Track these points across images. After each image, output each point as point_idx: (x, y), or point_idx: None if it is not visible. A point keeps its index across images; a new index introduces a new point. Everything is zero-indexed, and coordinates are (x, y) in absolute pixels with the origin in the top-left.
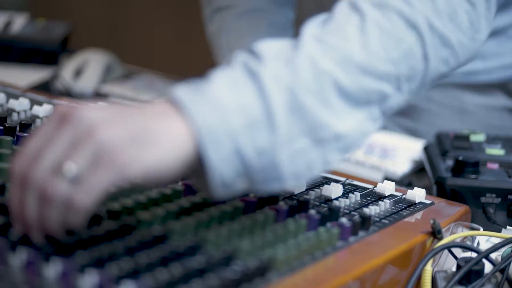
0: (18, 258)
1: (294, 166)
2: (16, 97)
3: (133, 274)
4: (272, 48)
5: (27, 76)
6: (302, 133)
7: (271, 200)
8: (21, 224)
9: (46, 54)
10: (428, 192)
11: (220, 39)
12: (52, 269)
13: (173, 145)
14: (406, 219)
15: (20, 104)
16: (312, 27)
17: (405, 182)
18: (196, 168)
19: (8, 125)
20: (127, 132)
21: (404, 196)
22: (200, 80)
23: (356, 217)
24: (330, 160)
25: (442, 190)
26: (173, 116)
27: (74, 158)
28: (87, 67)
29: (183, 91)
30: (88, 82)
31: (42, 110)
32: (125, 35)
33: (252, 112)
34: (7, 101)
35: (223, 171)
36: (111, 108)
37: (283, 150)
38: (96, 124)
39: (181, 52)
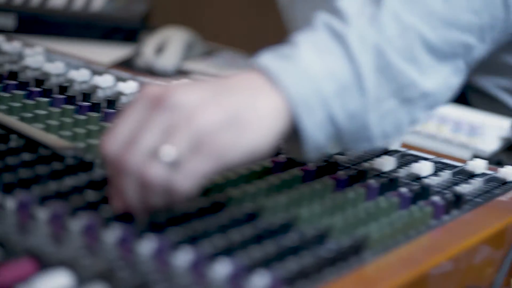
0: (112, 235)
1: (383, 127)
2: (100, 73)
3: (227, 252)
4: (354, 6)
5: (108, 53)
6: (390, 94)
7: (360, 176)
8: (121, 205)
9: (127, 31)
10: None
11: (294, 9)
12: (147, 246)
13: (268, 121)
14: (499, 198)
15: (105, 81)
16: None
17: (494, 160)
18: (289, 136)
19: (94, 101)
20: (223, 114)
21: (495, 174)
22: (283, 45)
23: (449, 196)
24: (417, 118)
25: None
26: (265, 89)
27: (172, 143)
28: (168, 44)
29: (271, 60)
30: (169, 59)
31: (126, 86)
32: (205, 11)
33: (341, 78)
34: (91, 78)
35: (317, 137)
36: (201, 88)
37: (372, 112)
38: (192, 108)
39: (260, 28)
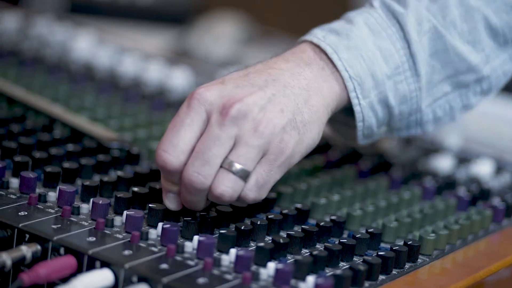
0: (156, 232)
1: (435, 111)
2: (150, 60)
3: (276, 251)
4: None
5: (158, 37)
6: (444, 78)
7: (416, 175)
8: (177, 207)
9: (179, 14)
10: None
11: None
12: (191, 244)
13: (322, 113)
14: None
15: (155, 69)
16: None
17: None
18: (338, 119)
19: (143, 91)
20: (285, 119)
21: None
22: (338, 22)
23: (510, 198)
24: (470, 104)
25: None
26: (321, 71)
27: (243, 156)
28: (221, 29)
29: (327, 36)
30: (222, 45)
31: (177, 75)
32: None
33: (396, 60)
34: (141, 65)
35: (369, 120)
36: (260, 87)
37: (425, 97)
38: (256, 116)
39: (313, 12)
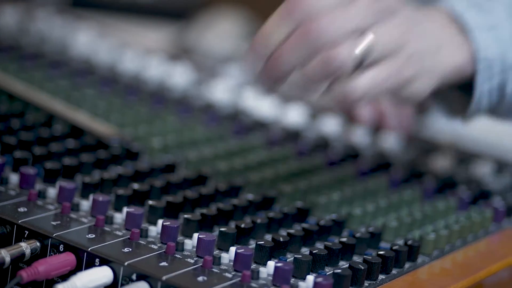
0: (156, 229)
1: None
2: (151, 55)
3: (275, 249)
4: None
5: (159, 31)
6: None
7: (416, 175)
8: (273, 71)
9: (180, 10)
10: None
11: None
12: (191, 242)
13: (443, 71)
14: None
15: (156, 65)
16: None
17: None
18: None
19: (143, 87)
20: (426, 45)
21: None
22: None
23: (511, 199)
24: None
25: None
26: (453, 36)
27: (380, 36)
28: (223, 24)
29: (468, 9)
30: (224, 40)
31: (179, 71)
32: None
33: None
34: (142, 61)
35: (483, 102)
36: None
37: None
38: (406, 24)
39: None
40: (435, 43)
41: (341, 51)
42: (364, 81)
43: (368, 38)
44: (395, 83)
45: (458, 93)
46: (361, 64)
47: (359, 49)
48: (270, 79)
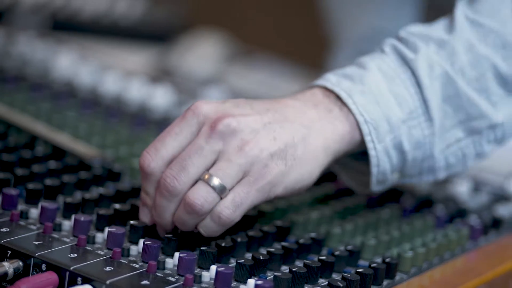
0: (137, 249)
1: (448, 158)
2: (132, 78)
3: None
4: (424, 32)
5: (140, 55)
6: (457, 124)
7: (395, 195)
8: (150, 219)
9: (161, 32)
10: None
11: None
12: (171, 262)
13: (320, 155)
14: None
15: (138, 87)
16: (463, 8)
17: None
18: (350, 164)
19: (125, 108)
20: (276, 147)
21: None
22: (350, 67)
23: (487, 217)
24: (484, 152)
25: None
26: (330, 109)
27: (222, 170)
28: (204, 47)
29: (340, 81)
30: (205, 63)
31: (160, 93)
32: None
33: (409, 105)
34: (123, 83)
35: (384, 165)
36: (259, 113)
37: (438, 142)
38: (246, 136)
39: (293, 30)
40: (302, 129)
41: (195, 198)
42: (225, 205)
43: (214, 181)
44: (260, 191)
45: (362, 165)
46: (223, 196)
47: (209, 195)
48: (160, 229)
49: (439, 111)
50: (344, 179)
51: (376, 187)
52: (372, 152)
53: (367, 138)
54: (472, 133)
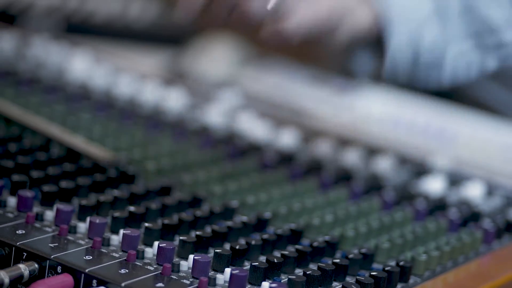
0: (153, 251)
1: (455, 65)
2: (146, 80)
3: (268, 271)
4: None
5: (154, 57)
6: (469, 35)
7: (408, 196)
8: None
9: (175, 35)
10: None
11: None
12: (187, 263)
13: (360, 26)
14: None
15: (151, 89)
16: None
17: None
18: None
19: (139, 111)
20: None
21: None
22: None
23: (500, 221)
24: (488, 66)
25: None
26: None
27: None
28: (218, 50)
29: None
30: (218, 67)
31: (174, 96)
32: None
33: (431, 8)
34: (137, 85)
35: (397, 56)
36: None
37: (450, 47)
38: None
39: None
40: (345, 5)
41: (253, 5)
42: (294, 20)
43: None
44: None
45: (376, 58)
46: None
47: (270, 4)
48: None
49: (456, 20)
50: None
51: (387, 76)
52: (389, 42)
53: (388, 29)
54: (481, 46)
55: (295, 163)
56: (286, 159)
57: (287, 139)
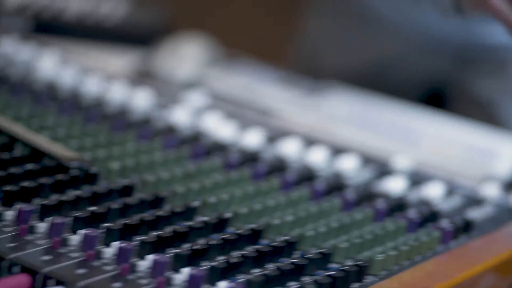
0: (111, 250)
1: None
2: (113, 81)
3: (226, 271)
4: None
5: (122, 58)
6: None
7: (369, 197)
8: None
9: (144, 35)
10: None
11: None
12: (145, 263)
13: None
14: (510, 225)
15: (118, 89)
16: None
17: (509, 184)
18: None
19: (104, 111)
20: None
21: (508, 199)
22: None
23: (458, 220)
24: None
25: None
26: None
27: None
28: (185, 52)
29: None
30: (186, 68)
31: (140, 96)
32: (220, 14)
33: None
34: (104, 86)
35: None
36: None
37: None
38: None
39: (278, 36)
40: None
41: None
42: None
43: None
44: None
45: None
46: None
47: None
48: None
49: None
50: None
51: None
52: None
53: None
54: None
55: (259, 163)
56: (250, 159)
57: (253, 139)
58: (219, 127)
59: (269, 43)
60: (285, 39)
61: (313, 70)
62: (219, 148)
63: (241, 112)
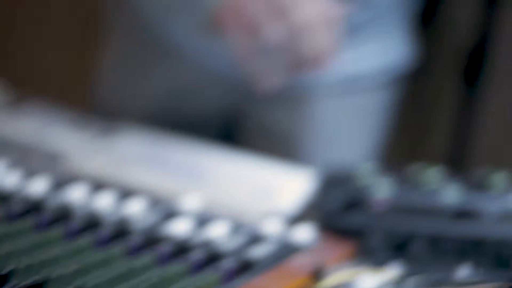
0: None
1: None
2: None
3: None
4: None
5: None
6: None
7: (152, 241)
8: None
9: None
10: (316, 230)
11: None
12: None
13: None
14: (291, 260)
15: None
16: None
17: (292, 218)
18: None
19: None
20: None
21: (289, 234)
22: None
23: (240, 260)
24: None
25: (330, 227)
26: None
27: None
28: None
29: None
30: None
31: None
32: (14, 54)
33: None
34: None
35: None
36: None
37: None
38: None
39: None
40: None
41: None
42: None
43: None
44: None
45: None
46: None
47: None
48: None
49: None
50: None
51: None
52: None
53: None
54: None
55: (42, 212)
56: (34, 208)
57: (38, 186)
58: (2, 176)
59: (66, 81)
60: (82, 76)
61: (110, 109)
62: (1, 198)
63: (28, 159)
